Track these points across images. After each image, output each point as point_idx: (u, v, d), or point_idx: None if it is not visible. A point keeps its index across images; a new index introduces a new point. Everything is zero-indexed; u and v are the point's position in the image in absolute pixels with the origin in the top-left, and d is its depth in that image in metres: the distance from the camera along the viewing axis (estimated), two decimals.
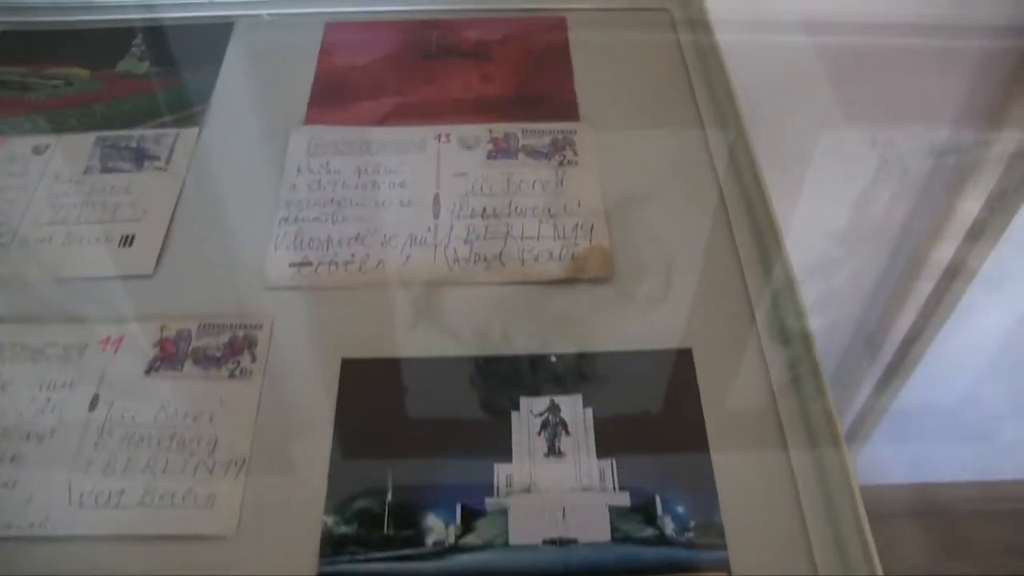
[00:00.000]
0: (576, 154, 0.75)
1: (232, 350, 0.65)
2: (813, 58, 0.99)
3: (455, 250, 0.68)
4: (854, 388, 1.15)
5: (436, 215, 0.71)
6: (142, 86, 0.83)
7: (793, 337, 0.63)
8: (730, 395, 0.62)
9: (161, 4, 0.90)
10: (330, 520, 0.57)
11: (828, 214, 1.08)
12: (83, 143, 0.79)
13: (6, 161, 0.78)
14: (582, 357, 0.63)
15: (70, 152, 0.79)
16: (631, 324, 0.65)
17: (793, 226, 0.73)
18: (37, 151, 0.79)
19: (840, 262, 1.05)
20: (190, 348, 0.65)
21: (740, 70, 0.81)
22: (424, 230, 0.70)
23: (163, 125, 0.79)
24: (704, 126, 0.77)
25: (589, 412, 0.61)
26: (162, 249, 0.71)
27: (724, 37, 0.84)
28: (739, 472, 0.57)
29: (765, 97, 0.87)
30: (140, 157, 0.77)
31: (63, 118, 0.81)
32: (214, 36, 0.87)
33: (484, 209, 0.71)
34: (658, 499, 0.57)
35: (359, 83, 0.81)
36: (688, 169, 0.74)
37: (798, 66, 1.00)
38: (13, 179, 0.77)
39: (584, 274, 0.67)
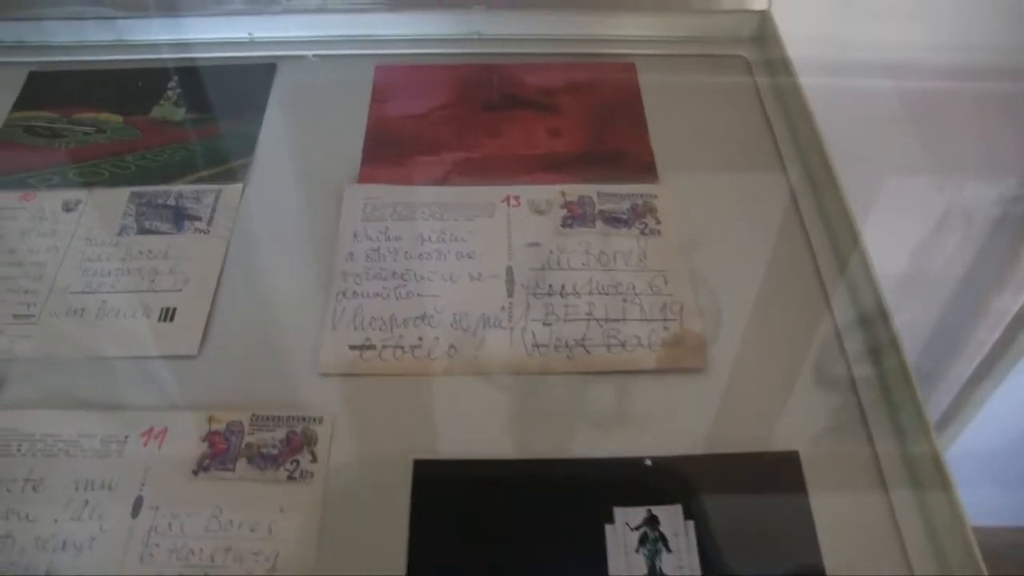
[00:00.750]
0: (658, 222, 0.68)
1: (290, 448, 0.58)
2: (890, 101, 0.93)
3: (533, 333, 0.62)
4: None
5: (510, 292, 0.64)
6: (179, 135, 0.76)
7: (910, 432, 0.56)
8: (842, 504, 0.55)
9: (197, 43, 0.83)
10: None
11: (898, 261, 1.03)
12: (117, 199, 0.72)
13: (35, 219, 0.72)
14: (679, 460, 0.57)
15: (103, 209, 0.72)
16: (729, 422, 0.59)
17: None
18: (67, 207, 0.72)
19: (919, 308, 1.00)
20: (243, 444, 0.58)
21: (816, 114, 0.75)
22: (498, 309, 0.63)
23: (203, 180, 0.73)
24: (788, 176, 0.71)
25: (691, 525, 0.54)
26: (207, 325, 0.63)
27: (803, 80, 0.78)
28: None
29: (840, 142, 0.81)
30: (179, 217, 0.70)
31: (95, 170, 0.74)
32: (256, 79, 0.80)
33: (563, 286, 0.64)
34: None
35: (416, 135, 0.74)
36: (777, 231, 0.68)
37: (872, 109, 0.94)
38: (42, 239, 0.70)
39: (676, 364, 0.61)
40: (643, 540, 0.54)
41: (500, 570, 0.53)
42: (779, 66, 0.78)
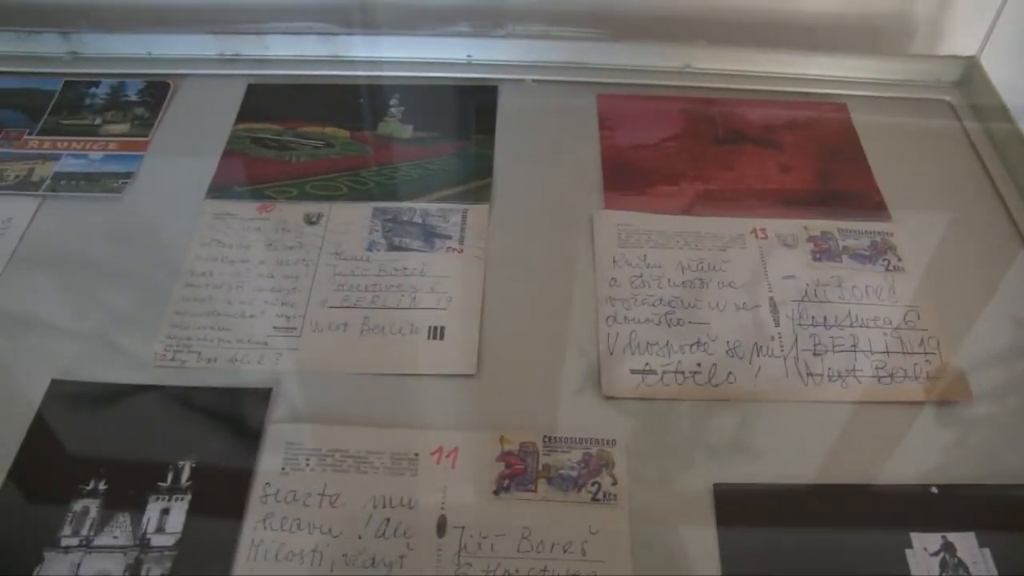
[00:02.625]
0: (899, 259, 0.70)
1: (588, 469, 0.58)
2: None
3: (806, 363, 0.63)
4: None
5: (776, 322, 0.65)
6: (410, 153, 0.77)
7: None
8: None
9: (415, 62, 0.84)
10: None
11: None
12: (359, 214, 0.73)
13: (278, 230, 0.72)
14: (963, 488, 0.58)
15: (346, 224, 0.72)
16: (1002, 451, 0.59)
17: None
18: (310, 220, 0.72)
19: None
20: (539, 465, 0.59)
21: None
22: (768, 339, 0.64)
23: (446, 199, 0.73)
24: (1009, 211, 0.73)
25: (987, 552, 0.55)
26: (479, 344, 0.64)
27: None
28: None
29: None
30: (429, 235, 0.71)
31: (332, 185, 0.75)
32: (479, 101, 0.81)
33: (825, 318, 0.65)
34: None
35: (653, 165, 0.75)
36: (1009, 263, 0.70)
37: None
38: (289, 252, 0.70)
39: (944, 396, 0.62)
40: (944, 566, 0.55)
41: None
42: (989, 109, 0.80)
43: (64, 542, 0.57)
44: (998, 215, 0.74)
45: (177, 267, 0.70)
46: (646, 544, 0.55)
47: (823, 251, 0.70)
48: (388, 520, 0.57)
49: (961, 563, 0.55)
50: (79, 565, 0.56)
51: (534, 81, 0.83)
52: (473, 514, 0.57)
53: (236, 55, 0.85)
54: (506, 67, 0.84)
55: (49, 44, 0.86)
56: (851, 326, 0.65)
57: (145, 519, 0.58)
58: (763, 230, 0.71)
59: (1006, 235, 0.73)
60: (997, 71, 0.81)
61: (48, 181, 0.77)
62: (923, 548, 0.56)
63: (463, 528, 0.56)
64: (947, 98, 0.84)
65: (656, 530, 0.56)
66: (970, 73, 0.84)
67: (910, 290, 0.68)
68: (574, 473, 0.58)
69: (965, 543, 0.56)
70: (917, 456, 0.60)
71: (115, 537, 0.57)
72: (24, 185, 0.77)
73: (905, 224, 0.73)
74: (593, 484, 0.58)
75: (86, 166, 0.78)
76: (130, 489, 0.58)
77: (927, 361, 0.64)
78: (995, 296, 0.69)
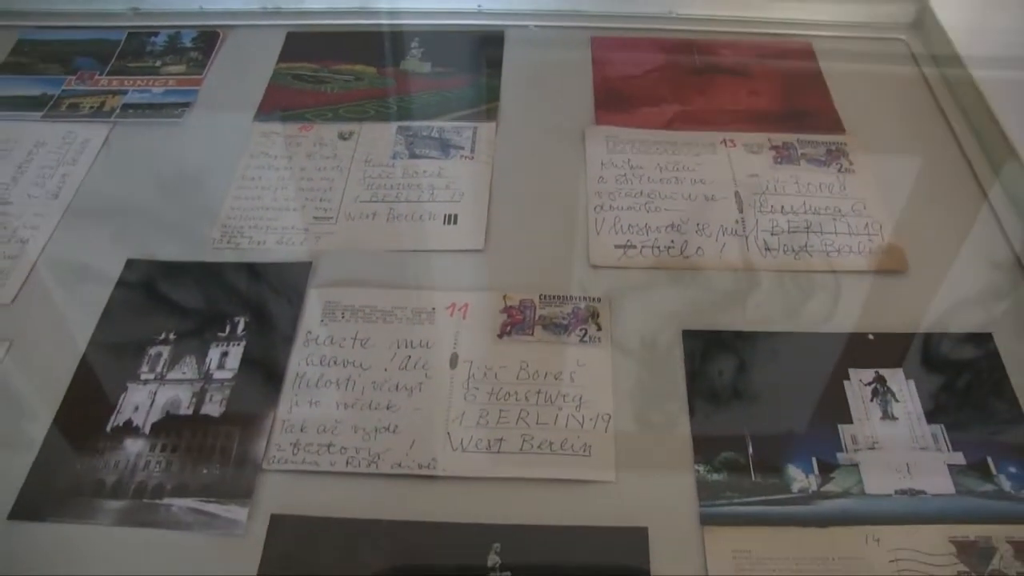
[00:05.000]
0: (851, 163, 0.81)
1: (576, 319, 0.70)
2: None
3: (764, 241, 0.74)
4: None
5: (740, 209, 0.77)
6: (429, 84, 0.90)
7: None
8: None
9: (434, 11, 0.97)
10: (701, 469, 0.62)
11: None
12: (385, 131, 0.85)
13: (316, 144, 0.84)
14: (895, 336, 0.69)
15: (375, 139, 0.85)
16: (931, 310, 0.71)
17: None
18: (343, 136, 0.85)
19: None
20: (536, 316, 0.70)
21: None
22: (732, 222, 0.76)
23: (459, 119, 0.85)
24: (956, 135, 0.85)
25: (912, 383, 0.66)
26: (487, 227, 0.76)
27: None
28: None
29: None
30: (445, 146, 0.83)
31: (361, 109, 0.87)
32: (488, 42, 0.94)
33: (782, 206, 0.77)
34: (990, 460, 0.62)
35: (638, 91, 0.88)
36: (948, 172, 0.81)
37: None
38: (326, 161, 0.83)
39: (883, 267, 0.73)
40: (875, 393, 0.66)
41: (765, 412, 0.65)
42: (939, 48, 0.92)
43: (143, 377, 0.69)
44: (942, 131, 0.85)
45: (231, 173, 0.82)
46: (624, 374, 0.67)
47: (784, 156, 0.82)
48: (409, 357, 0.69)
49: (889, 391, 0.67)
50: (155, 393, 0.68)
51: (536, 26, 0.96)
52: (480, 352, 0.69)
53: (277, 8, 0.98)
54: (512, 15, 0.96)
55: (114, 2, 1.00)
56: (805, 213, 0.77)
57: (208, 359, 0.70)
58: (732, 140, 0.83)
59: (946, 144, 0.84)
60: (946, 15, 0.93)
61: (118, 111, 0.90)
62: (859, 380, 0.67)
63: (471, 362, 0.68)
64: (903, 37, 0.96)
65: (632, 364, 0.68)
66: (923, 16, 0.95)
67: (858, 187, 0.80)
68: (565, 322, 0.70)
69: (894, 376, 0.67)
70: (858, 313, 0.71)
71: (183, 373, 0.69)
72: (98, 114, 0.90)
73: (858, 137, 0.85)
74: (581, 330, 0.70)
75: (149, 98, 0.91)
76: (194, 339, 0.71)
77: (870, 240, 0.75)
78: (934, 191, 0.80)
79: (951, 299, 0.72)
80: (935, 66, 0.92)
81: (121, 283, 0.74)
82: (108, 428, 0.65)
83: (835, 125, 0.85)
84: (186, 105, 0.89)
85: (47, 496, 0.62)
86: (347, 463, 0.62)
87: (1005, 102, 0.82)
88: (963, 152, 0.83)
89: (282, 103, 0.88)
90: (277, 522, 0.60)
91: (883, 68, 0.93)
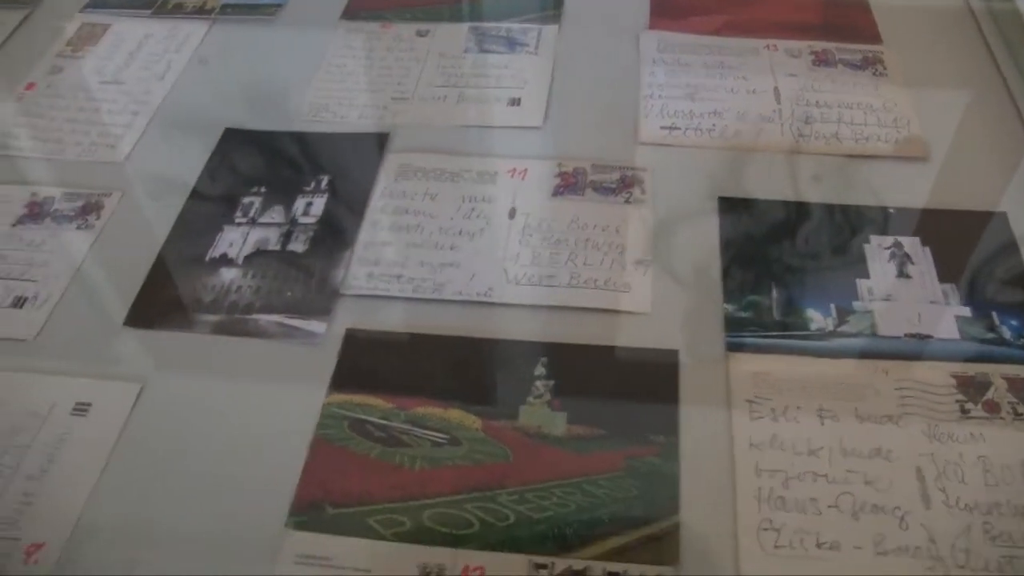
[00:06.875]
0: (886, 68, 0.88)
1: (623, 184, 0.78)
2: None
3: (798, 128, 0.82)
4: None
5: (778, 101, 0.84)
6: None
7: None
8: None
9: None
10: (729, 307, 0.69)
11: None
12: (458, 31, 0.94)
13: (395, 40, 0.94)
14: (913, 211, 0.76)
15: (449, 36, 0.94)
16: (949, 193, 0.77)
17: None
18: (420, 34, 0.94)
19: None
20: (587, 180, 0.79)
21: None
22: (770, 111, 0.83)
23: (526, 21, 0.94)
24: (991, 49, 0.90)
25: (928, 250, 0.73)
26: (546, 108, 0.85)
27: None
28: None
29: None
30: (512, 44, 0.92)
31: (436, 12, 0.97)
32: None
33: (817, 100, 0.84)
34: (994, 314, 0.69)
35: (688, 2, 0.96)
36: (980, 79, 0.88)
37: None
38: (404, 54, 0.92)
39: (907, 153, 0.80)
40: (893, 255, 0.73)
41: (791, 264, 0.72)
42: None
43: (237, 220, 0.79)
44: (979, 50, 0.92)
45: (318, 61, 0.92)
46: (665, 230, 0.75)
47: (822, 61, 0.89)
48: (472, 209, 0.78)
49: (906, 255, 0.74)
50: (248, 233, 0.78)
51: None
52: (535, 206, 0.77)
53: None
54: None
55: None
56: (838, 107, 0.84)
57: (294, 208, 0.79)
58: (774, 45, 0.91)
59: (980, 58, 0.90)
60: None
61: (218, 9, 1.01)
62: (878, 244, 0.74)
63: (528, 214, 0.77)
64: None
65: (672, 222, 0.75)
66: None
67: (891, 89, 0.87)
68: (613, 186, 0.78)
69: (910, 242, 0.74)
70: (881, 190, 0.78)
71: (272, 218, 0.79)
72: (200, 12, 1.01)
73: (895, 49, 0.92)
74: (627, 192, 0.78)
75: None
76: (282, 192, 0.80)
77: (897, 131, 0.82)
78: (964, 97, 0.87)
79: (970, 183, 0.78)
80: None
81: (219, 147, 0.84)
82: (206, 258, 0.75)
83: (874, 38, 0.92)
84: (279, 6, 0.99)
85: (154, 308, 0.72)
86: (414, 290, 0.71)
87: None
88: (999, 70, 0.88)
89: (364, 3, 0.97)
90: (351, 335, 0.69)
91: None
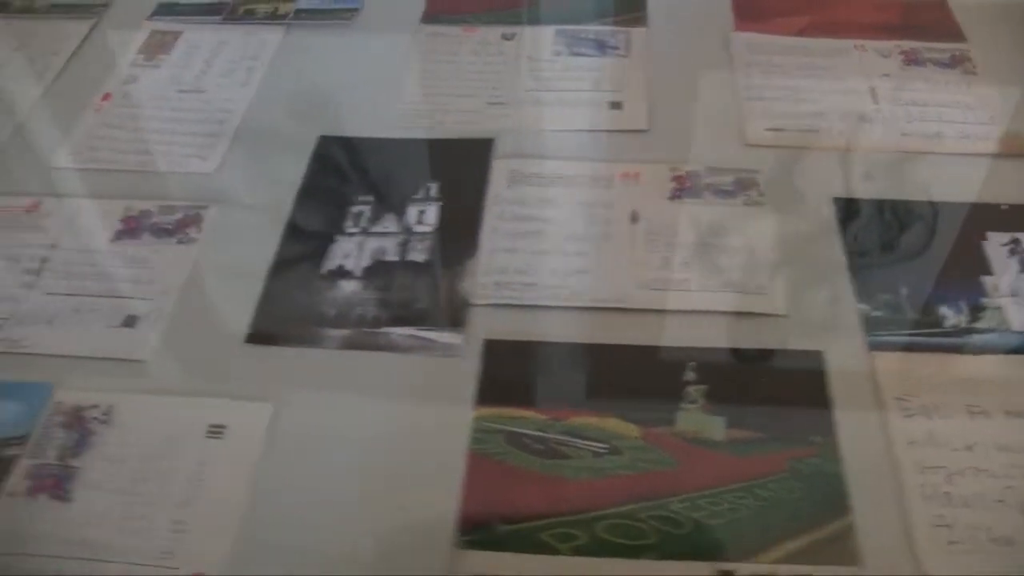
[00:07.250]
0: (975, 67, 0.90)
1: (740, 186, 0.78)
2: None
3: (901, 129, 0.83)
4: None
5: (876, 101, 0.85)
6: None
7: None
8: None
9: None
10: (864, 307, 0.70)
11: None
12: (545, 33, 0.94)
13: (480, 44, 0.93)
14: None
15: (536, 40, 0.94)
16: None
17: None
18: (506, 37, 0.94)
19: None
20: (703, 183, 0.79)
21: None
22: (869, 111, 0.84)
23: (613, 23, 0.94)
24: None
25: None
26: (649, 112, 0.85)
27: None
28: None
29: None
30: (601, 46, 0.92)
31: (518, 15, 0.96)
32: None
33: (914, 100, 0.85)
34: None
35: (772, 4, 0.96)
36: None
37: None
38: (492, 58, 0.92)
39: (1008, 150, 0.81)
40: (1012, 251, 0.74)
41: (917, 264, 0.73)
42: None
43: (349, 230, 0.78)
44: None
45: (402, 66, 0.91)
46: (787, 232, 0.75)
47: (912, 60, 0.90)
48: (592, 214, 0.77)
49: None
50: (362, 243, 0.77)
51: None
52: (656, 211, 0.77)
53: None
54: None
55: None
56: (935, 106, 0.86)
57: (406, 216, 0.78)
58: (862, 46, 0.92)
59: None
60: None
61: (291, 14, 0.99)
62: (996, 241, 0.75)
63: (649, 219, 0.77)
64: None
65: (792, 223, 0.76)
66: None
67: (982, 86, 0.88)
68: (730, 188, 0.79)
69: None
70: (992, 187, 0.79)
71: (386, 227, 0.78)
72: (272, 18, 0.99)
73: (980, 46, 0.93)
74: (745, 195, 0.78)
75: (320, 4, 1.00)
76: (391, 200, 0.79)
77: (995, 128, 0.84)
78: None
79: None
80: None
81: (315, 155, 0.83)
82: (322, 271, 0.74)
83: (957, 36, 0.93)
84: (355, 10, 0.98)
85: (276, 324, 0.70)
86: (549, 298, 0.71)
87: None
88: None
89: (446, 7, 0.96)
90: (491, 345, 0.68)
91: None
